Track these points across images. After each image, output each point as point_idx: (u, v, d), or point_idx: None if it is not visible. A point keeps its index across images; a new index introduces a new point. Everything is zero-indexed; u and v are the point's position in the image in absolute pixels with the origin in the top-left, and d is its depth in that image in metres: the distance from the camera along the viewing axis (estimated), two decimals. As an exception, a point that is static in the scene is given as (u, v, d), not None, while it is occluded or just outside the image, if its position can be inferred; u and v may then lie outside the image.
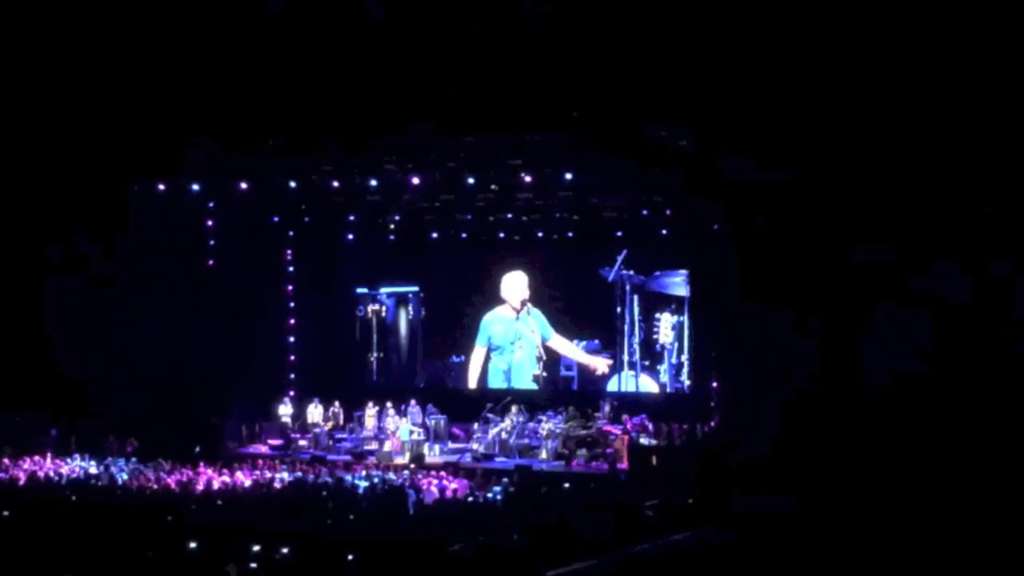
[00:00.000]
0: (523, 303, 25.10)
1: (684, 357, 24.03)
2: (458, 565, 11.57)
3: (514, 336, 25.35)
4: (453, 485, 18.41)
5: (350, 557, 12.89)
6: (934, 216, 18.09)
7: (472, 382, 25.88)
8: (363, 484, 18.37)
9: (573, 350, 25.06)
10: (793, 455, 17.76)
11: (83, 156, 21.35)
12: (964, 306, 18.02)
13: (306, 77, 20.24)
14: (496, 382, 25.60)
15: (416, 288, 26.80)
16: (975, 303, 17.98)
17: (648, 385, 24.47)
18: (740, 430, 19.55)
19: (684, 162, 19.62)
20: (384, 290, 26.98)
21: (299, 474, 19.69)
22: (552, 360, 25.13)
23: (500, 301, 25.48)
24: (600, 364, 24.73)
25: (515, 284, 25.29)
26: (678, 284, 24.05)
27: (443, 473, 19.63)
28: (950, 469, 15.74)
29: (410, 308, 26.94)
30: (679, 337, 24.05)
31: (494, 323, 25.60)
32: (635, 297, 24.32)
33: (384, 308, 26.98)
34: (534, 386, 25.06)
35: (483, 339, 25.70)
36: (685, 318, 23.87)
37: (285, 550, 13.05)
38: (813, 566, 11.63)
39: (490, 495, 17.48)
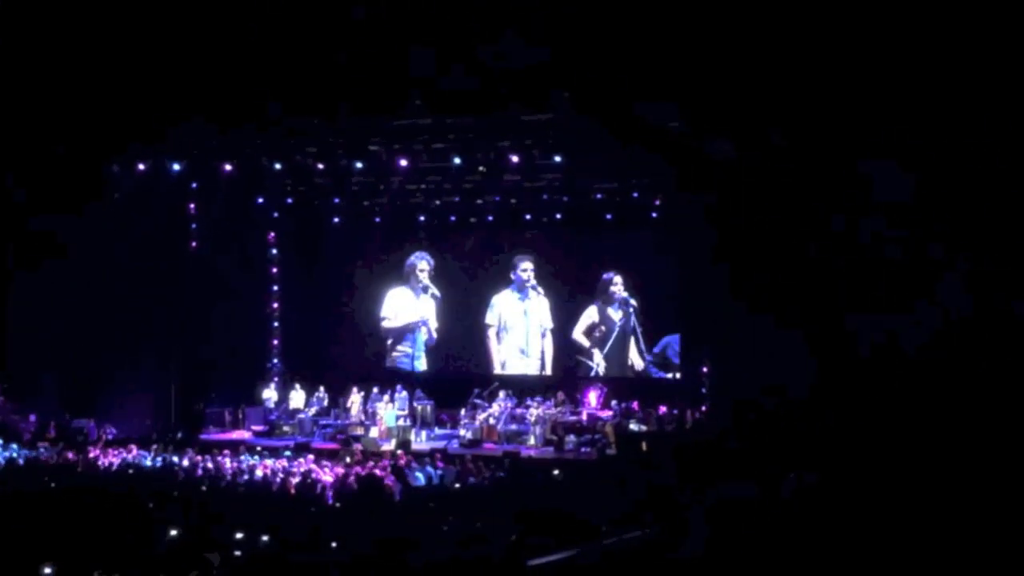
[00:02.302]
0: (529, 283, 24.80)
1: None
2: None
3: (520, 315, 25.04)
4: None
5: (334, 545, 12.60)
6: (929, 202, 17.83)
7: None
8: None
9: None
10: (786, 440, 17.50)
11: (60, 134, 20.87)
12: (959, 289, 17.77)
13: (291, 56, 19.86)
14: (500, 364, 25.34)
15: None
16: (970, 288, 17.73)
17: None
18: (731, 415, 19.32)
19: (674, 144, 19.31)
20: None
21: (283, 460, 19.35)
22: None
23: (507, 282, 25.18)
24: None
25: (523, 264, 24.98)
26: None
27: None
28: (948, 456, 15.46)
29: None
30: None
31: (500, 303, 25.26)
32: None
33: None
34: (537, 366, 24.81)
35: (493, 319, 25.38)
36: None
37: (266, 538, 12.71)
38: (807, 553, 11.31)
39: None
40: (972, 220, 17.57)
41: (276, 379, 25.40)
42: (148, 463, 19.36)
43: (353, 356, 26.20)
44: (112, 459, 19.63)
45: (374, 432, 22.28)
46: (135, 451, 20.07)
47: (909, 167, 17.66)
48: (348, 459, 19.30)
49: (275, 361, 26.12)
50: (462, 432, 22.15)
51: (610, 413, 21.92)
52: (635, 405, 21.91)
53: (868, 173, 18.07)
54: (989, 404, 16.61)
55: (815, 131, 18.15)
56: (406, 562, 10.45)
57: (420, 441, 22.15)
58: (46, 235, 21.93)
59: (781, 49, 17.58)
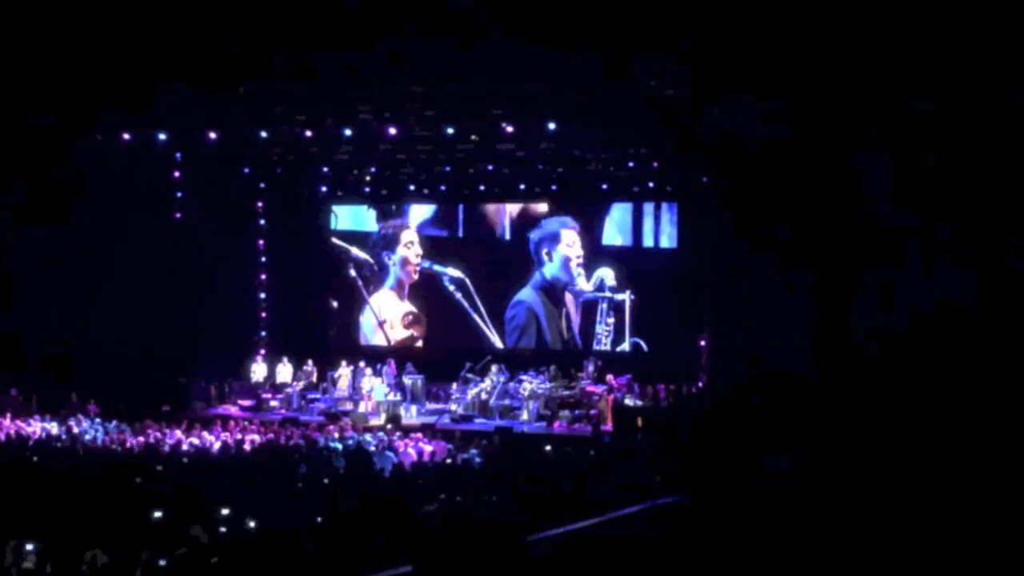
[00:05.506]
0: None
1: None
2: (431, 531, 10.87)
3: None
4: (429, 447, 17.69)
5: (319, 520, 12.33)
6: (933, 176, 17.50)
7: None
8: (338, 447, 17.66)
9: None
10: (782, 417, 17.23)
11: (41, 101, 20.30)
12: (961, 267, 17.49)
13: (278, 20, 19.36)
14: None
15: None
16: (973, 262, 17.44)
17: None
18: (728, 391, 19.03)
19: (673, 112, 18.90)
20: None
21: (271, 436, 18.97)
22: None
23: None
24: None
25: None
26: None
27: (420, 435, 18.87)
28: (947, 433, 15.18)
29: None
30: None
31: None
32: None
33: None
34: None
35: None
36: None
37: (253, 516, 12.37)
38: (808, 527, 11.02)
39: (466, 456, 16.82)
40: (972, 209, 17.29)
41: (263, 352, 25.00)
42: (131, 437, 18.98)
43: (342, 329, 25.80)
44: (95, 434, 19.25)
45: (363, 407, 21.94)
46: (117, 426, 19.69)
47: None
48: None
49: (262, 334, 25.69)
50: (453, 407, 21.81)
51: (604, 388, 21.57)
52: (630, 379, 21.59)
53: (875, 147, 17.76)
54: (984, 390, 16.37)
55: (818, 103, 17.80)
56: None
57: (410, 416, 21.80)
58: (26, 206, 21.43)
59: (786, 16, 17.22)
